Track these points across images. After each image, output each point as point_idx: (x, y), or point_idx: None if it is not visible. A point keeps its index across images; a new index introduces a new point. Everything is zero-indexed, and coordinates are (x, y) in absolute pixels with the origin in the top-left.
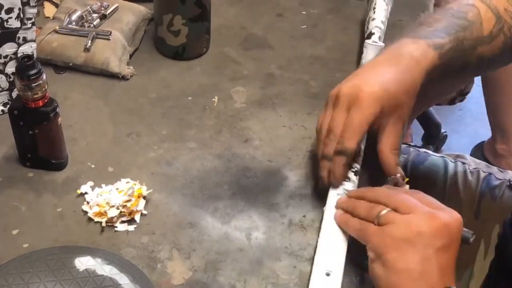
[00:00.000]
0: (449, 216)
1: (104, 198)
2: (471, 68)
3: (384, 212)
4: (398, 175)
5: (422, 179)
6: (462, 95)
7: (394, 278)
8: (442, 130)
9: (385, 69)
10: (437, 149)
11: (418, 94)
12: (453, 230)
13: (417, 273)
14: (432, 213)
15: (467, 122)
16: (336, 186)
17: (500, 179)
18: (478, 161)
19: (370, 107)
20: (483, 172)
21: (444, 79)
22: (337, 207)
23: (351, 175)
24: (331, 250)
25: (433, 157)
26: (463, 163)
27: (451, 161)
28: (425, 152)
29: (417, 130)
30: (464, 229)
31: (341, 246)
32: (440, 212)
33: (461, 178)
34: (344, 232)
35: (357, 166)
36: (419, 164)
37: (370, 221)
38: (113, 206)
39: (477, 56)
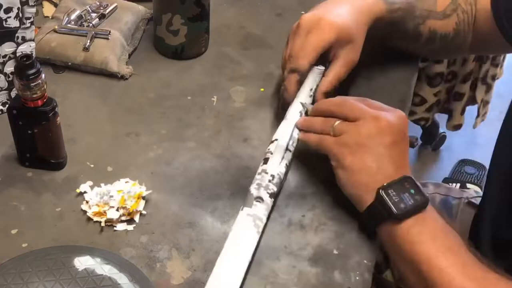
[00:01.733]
0: (394, 115)
1: (103, 198)
2: (424, 39)
3: (336, 123)
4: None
5: None
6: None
7: (355, 177)
8: (441, 130)
9: (343, 6)
10: (435, 149)
11: (369, 33)
12: (399, 127)
13: (374, 169)
14: (377, 115)
15: (467, 122)
16: (288, 102)
17: (458, 198)
18: (440, 184)
19: (327, 33)
20: (440, 195)
21: (394, 36)
22: (297, 127)
23: (265, 196)
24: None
25: None
26: None
27: None
28: None
29: (417, 130)
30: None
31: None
32: (384, 113)
33: None
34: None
35: (273, 189)
36: None
37: (326, 134)
38: (112, 207)
39: (429, 29)
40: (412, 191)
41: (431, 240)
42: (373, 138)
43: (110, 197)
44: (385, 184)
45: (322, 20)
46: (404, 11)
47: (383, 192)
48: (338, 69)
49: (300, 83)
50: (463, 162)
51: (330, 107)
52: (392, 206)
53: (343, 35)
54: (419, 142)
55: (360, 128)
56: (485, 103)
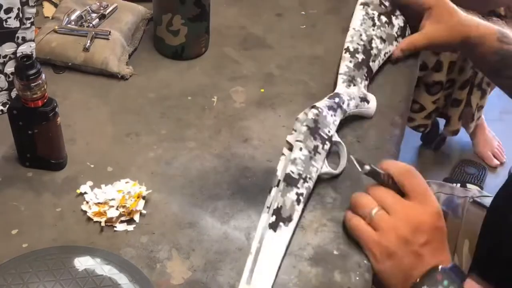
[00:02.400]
0: (425, 211)
1: (103, 198)
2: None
3: (373, 212)
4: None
5: None
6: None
7: (387, 281)
8: (441, 131)
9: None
10: (435, 149)
11: (463, 46)
12: (431, 224)
13: (406, 273)
14: (409, 214)
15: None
16: None
17: (462, 197)
18: (444, 184)
19: None
20: (444, 194)
21: (508, 70)
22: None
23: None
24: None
25: None
26: None
27: None
28: None
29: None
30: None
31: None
32: (417, 209)
33: None
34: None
35: (302, 193)
36: None
37: (364, 219)
38: (112, 206)
39: None
40: (446, 283)
41: None
42: (406, 244)
43: (111, 199)
44: (417, 280)
45: None
46: None
47: None
48: (418, 36)
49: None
50: (464, 162)
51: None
52: None
53: (438, 8)
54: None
55: (395, 229)
56: (480, 107)
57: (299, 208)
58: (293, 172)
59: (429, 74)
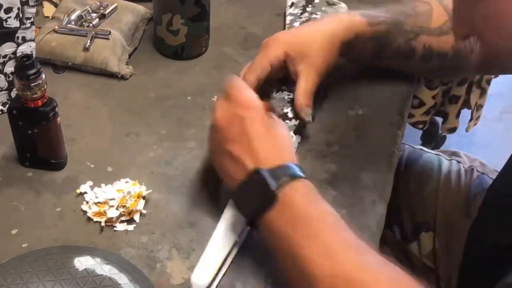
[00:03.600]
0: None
1: (103, 198)
2: (419, 57)
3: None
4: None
5: (416, 177)
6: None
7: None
8: (440, 130)
9: (305, 25)
10: (435, 148)
11: (349, 53)
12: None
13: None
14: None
15: (466, 122)
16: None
17: (493, 179)
18: (473, 157)
19: (273, 49)
20: (477, 171)
21: (384, 54)
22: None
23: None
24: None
25: (428, 155)
26: (458, 161)
27: (446, 158)
28: (421, 149)
29: (417, 130)
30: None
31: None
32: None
33: (454, 178)
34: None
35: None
36: (413, 162)
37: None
38: (112, 206)
39: (423, 45)
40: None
41: (291, 229)
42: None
43: (111, 199)
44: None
45: (272, 38)
46: (390, 25)
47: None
48: (302, 84)
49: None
50: None
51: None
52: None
53: (294, 49)
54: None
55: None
56: (479, 107)
57: None
58: None
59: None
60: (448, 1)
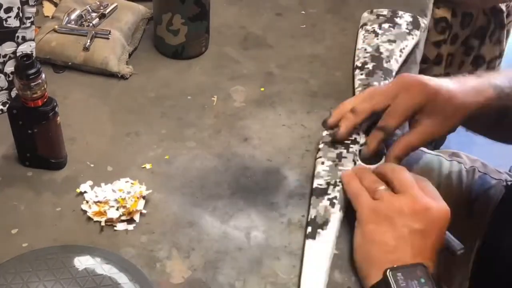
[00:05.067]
0: (436, 204)
1: (103, 197)
2: None
3: (381, 188)
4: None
5: None
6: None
7: (368, 247)
8: None
9: (449, 80)
10: (435, 148)
11: (463, 122)
12: (434, 218)
13: (390, 248)
14: (417, 197)
15: None
16: (366, 158)
17: (496, 179)
18: (474, 158)
19: (418, 94)
20: (479, 171)
21: (503, 122)
22: (352, 169)
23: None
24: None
25: (428, 155)
26: (459, 162)
27: (446, 159)
28: (421, 150)
29: None
30: (456, 240)
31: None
32: (427, 198)
33: (455, 178)
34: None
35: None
36: (413, 162)
37: (368, 191)
38: (112, 206)
39: None
40: (423, 280)
41: None
42: (402, 216)
43: (111, 198)
44: (395, 265)
45: (418, 81)
46: None
47: (390, 273)
48: (413, 136)
49: (383, 141)
50: None
51: (385, 170)
52: None
53: (432, 102)
54: (462, 250)
55: (396, 202)
56: None
57: (335, 210)
58: (320, 185)
59: (430, 67)
60: None
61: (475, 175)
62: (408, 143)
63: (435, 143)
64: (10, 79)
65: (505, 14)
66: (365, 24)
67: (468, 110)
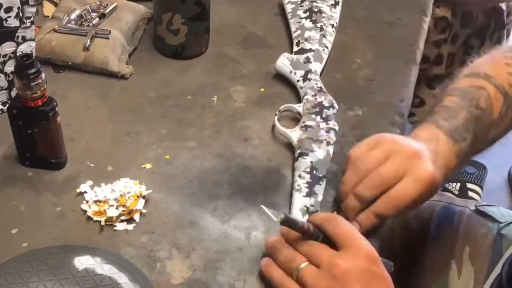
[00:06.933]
0: (351, 260)
1: (103, 197)
2: (482, 152)
3: (301, 266)
4: None
5: None
6: None
7: None
8: None
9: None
10: None
11: None
12: (357, 271)
13: None
14: (332, 264)
15: None
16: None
17: (462, 207)
18: (443, 193)
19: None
20: (443, 202)
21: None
22: (266, 245)
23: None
24: None
25: None
26: None
27: None
28: None
29: None
30: (384, 260)
31: None
32: (339, 260)
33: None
34: None
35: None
36: None
37: (290, 273)
38: (112, 205)
39: (489, 141)
40: None
41: None
42: None
43: (110, 198)
44: None
45: (416, 155)
46: (471, 147)
47: None
48: (377, 205)
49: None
50: None
51: (297, 244)
52: None
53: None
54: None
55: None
56: None
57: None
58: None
59: (430, 67)
60: (491, 71)
61: (436, 207)
62: (375, 211)
63: None
64: (10, 79)
65: (505, 14)
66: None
67: (439, 185)
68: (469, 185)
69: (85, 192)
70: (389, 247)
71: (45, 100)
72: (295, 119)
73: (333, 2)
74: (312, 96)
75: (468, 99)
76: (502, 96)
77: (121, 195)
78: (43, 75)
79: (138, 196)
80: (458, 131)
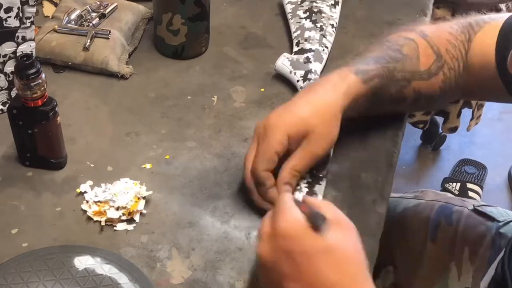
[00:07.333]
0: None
1: (103, 197)
2: (409, 101)
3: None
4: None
5: None
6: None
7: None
8: (441, 130)
9: (300, 98)
10: (435, 149)
11: (347, 114)
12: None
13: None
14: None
15: (467, 121)
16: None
17: (460, 206)
18: (442, 193)
19: (275, 135)
20: (441, 202)
21: (377, 106)
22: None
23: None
24: None
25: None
26: (419, 198)
27: (407, 198)
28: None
29: (416, 129)
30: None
31: None
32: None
33: (410, 212)
34: None
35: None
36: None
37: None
38: (112, 206)
39: (413, 90)
40: None
41: None
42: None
43: (111, 198)
44: None
45: (268, 123)
46: (382, 77)
47: None
48: (294, 161)
49: (274, 190)
50: (463, 162)
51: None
52: None
53: (296, 130)
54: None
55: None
56: (480, 106)
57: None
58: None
59: None
60: (429, 31)
61: (434, 206)
62: (290, 167)
63: (435, 143)
64: (10, 79)
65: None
66: None
67: (339, 112)
68: (469, 185)
69: (85, 192)
70: (388, 248)
71: (45, 100)
72: None
73: (333, 2)
74: None
75: (387, 46)
76: (434, 55)
77: (121, 196)
78: (43, 75)
79: (138, 197)
80: (366, 61)
